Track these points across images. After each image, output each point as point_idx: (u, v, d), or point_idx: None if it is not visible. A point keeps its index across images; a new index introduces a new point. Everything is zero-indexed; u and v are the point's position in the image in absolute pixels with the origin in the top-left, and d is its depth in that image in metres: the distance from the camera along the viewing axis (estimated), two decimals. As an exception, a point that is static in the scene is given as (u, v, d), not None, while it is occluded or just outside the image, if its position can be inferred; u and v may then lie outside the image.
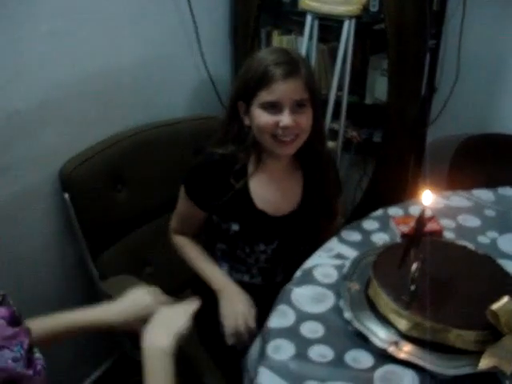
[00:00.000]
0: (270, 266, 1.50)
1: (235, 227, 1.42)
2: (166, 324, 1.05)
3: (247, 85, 1.31)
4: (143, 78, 1.90)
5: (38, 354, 0.84)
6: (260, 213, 1.42)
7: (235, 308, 1.32)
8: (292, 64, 1.29)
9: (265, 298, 1.26)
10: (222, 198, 1.39)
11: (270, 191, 1.43)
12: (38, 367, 0.81)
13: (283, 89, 1.26)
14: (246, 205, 1.41)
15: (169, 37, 2.00)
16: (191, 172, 1.45)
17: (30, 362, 0.79)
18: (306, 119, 1.31)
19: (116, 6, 1.72)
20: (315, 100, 1.35)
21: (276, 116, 1.28)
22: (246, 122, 1.35)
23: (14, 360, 0.75)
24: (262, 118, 1.29)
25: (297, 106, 1.29)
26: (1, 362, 0.73)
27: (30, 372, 0.77)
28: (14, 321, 0.84)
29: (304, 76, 1.30)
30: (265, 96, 1.28)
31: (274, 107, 1.28)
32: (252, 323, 1.29)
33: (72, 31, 1.58)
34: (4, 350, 0.74)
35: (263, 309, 1.23)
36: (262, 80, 1.27)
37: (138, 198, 1.75)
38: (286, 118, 1.27)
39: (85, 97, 1.67)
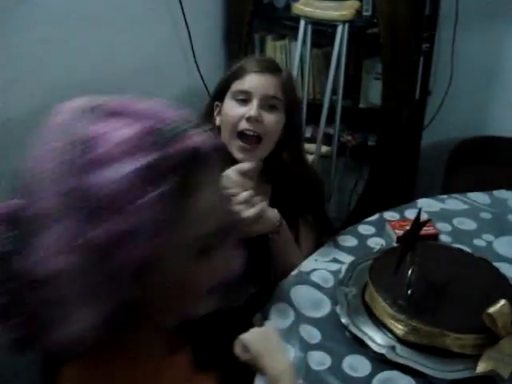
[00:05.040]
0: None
1: None
2: (269, 346, 1.00)
3: (222, 80, 1.33)
4: (137, 85, 1.89)
5: None
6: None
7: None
8: (272, 63, 1.31)
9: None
10: None
11: None
12: None
13: (256, 79, 1.28)
14: None
15: (162, 43, 2.00)
16: None
17: None
18: (273, 121, 1.29)
19: (109, 14, 1.72)
20: (291, 110, 1.33)
21: (244, 108, 1.27)
22: (217, 122, 1.33)
23: None
24: (230, 109, 1.28)
25: (268, 106, 1.29)
26: None
27: None
28: None
29: (283, 78, 1.31)
30: (237, 85, 1.29)
31: (244, 100, 1.28)
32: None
33: (65, 38, 1.58)
34: None
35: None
36: (237, 71, 1.29)
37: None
38: (252, 110, 1.26)
39: (78, 104, 1.66)
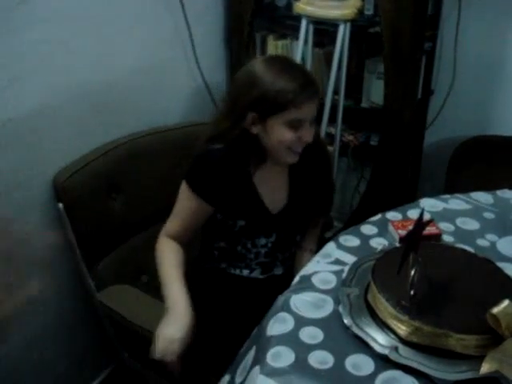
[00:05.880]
0: (269, 259, 1.54)
1: (241, 223, 1.45)
2: None
3: (272, 101, 1.32)
4: (138, 85, 1.90)
5: None
6: (264, 208, 1.47)
7: (170, 331, 1.28)
8: (315, 85, 1.38)
9: (264, 291, 1.31)
10: (228, 193, 1.42)
11: (267, 188, 1.48)
12: None
13: (309, 109, 1.36)
14: (253, 201, 1.46)
15: (163, 43, 2.00)
16: (196, 168, 1.43)
17: None
18: (313, 133, 1.41)
19: (110, 14, 1.72)
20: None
21: (297, 132, 1.36)
22: (254, 130, 1.38)
23: None
24: (286, 134, 1.35)
25: (311, 123, 1.39)
26: None
27: None
28: None
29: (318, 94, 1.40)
30: (294, 114, 1.33)
31: (296, 125, 1.35)
32: (178, 351, 1.26)
33: (66, 39, 1.58)
34: None
35: (263, 302, 1.23)
36: (299, 98, 1.32)
37: (133, 205, 1.74)
38: (309, 135, 1.38)
39: (79, 104, 1.66)
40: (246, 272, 1.54)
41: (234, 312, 1.51)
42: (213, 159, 1.41)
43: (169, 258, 1.44)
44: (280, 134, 1.35)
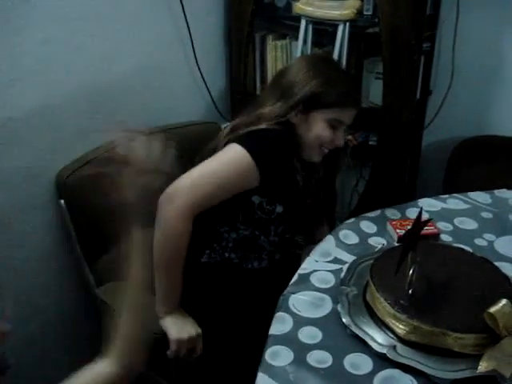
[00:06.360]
0: (277, 250, 1.53)
1: (279, 209, 1.44)
2: None
3: (322, 97, 1.39)
4: (138, 85, 1.90)
5: None
6: (301, 196, 1.52)
7: (183, 331, 1.31)
8: (359, 95, 1.49)
9: (269, 279, 1.38)
10: (278, 175, 1.39)
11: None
12: None
13: (352, 115, 1.44)
14: (294, 188, 1.49)
15: (163, 43, 2.00)
16: (263, 141, 1.35)
17: None
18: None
19: (110, 14, 1.72)
20: None
21: (333, 133, 1.42)
22: (294, 120, 1.41)
23: None
24: (325, 131, 1.42)
25: None
26: None
27: None
28: None
29: None
30: (336, 112, 1.41)
31: (335, 125, 1.42)
32: (199, 350, 1.33)
33: (67, 39, 1.58)
34: None
35: (273, 290, 1.25)
36: (342, 100, 1.40)
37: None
38: (342, 139, 1.45)
39: (79, 104, 1.66)
40: (255, 264, 1.49)
41: (246, 309, 1.45)
42: (280, 138, 1.37)
43: (183, 251, 1.29)
44: (320, 128, 1.41)
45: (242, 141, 1.32)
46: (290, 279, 1.27)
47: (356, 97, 1.48)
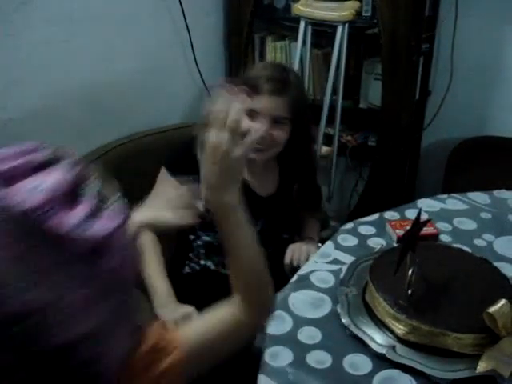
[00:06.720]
0: None
1: None
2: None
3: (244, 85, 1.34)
4: (137, 86, 1.90)
5: None
6: (251, 190, 1.47)
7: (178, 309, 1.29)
8: (282, 82, 1.37)
9: None
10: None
11: (255, 178, 1.50)
12: None
13: (266, 103, 1.36)
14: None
15: (163, 45, 2.00)
16: (172, 151, 1.46)
17: None
18: (281, 134, 1.41)
19: (110, 15, 1.73)
20: (299, 119, 1.43)
21: (252, 123, 1.34)
22: None
23: None
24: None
25: (274, 122, 1.38)
26: None
27: None
28: None
29: (291, 97, 1.38)
30: (253, 103, 1.33)
31: (252, 116, 1.35)
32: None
33: (66, 40, 1.58)
34: None
35: None
36: (251, 89, 1.31)
37: (132, 205, 1.74)
38: (261, 130, 1.35)
39: (79, 105, 1.67)
40: None
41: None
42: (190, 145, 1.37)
43: (155, 255, 1.37)
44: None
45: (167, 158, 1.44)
46: (276, 278, 1.26)
47: (274, 84, 1.37)
